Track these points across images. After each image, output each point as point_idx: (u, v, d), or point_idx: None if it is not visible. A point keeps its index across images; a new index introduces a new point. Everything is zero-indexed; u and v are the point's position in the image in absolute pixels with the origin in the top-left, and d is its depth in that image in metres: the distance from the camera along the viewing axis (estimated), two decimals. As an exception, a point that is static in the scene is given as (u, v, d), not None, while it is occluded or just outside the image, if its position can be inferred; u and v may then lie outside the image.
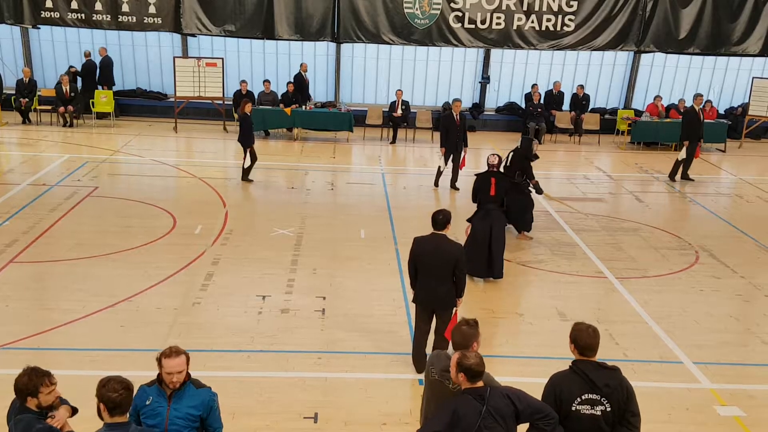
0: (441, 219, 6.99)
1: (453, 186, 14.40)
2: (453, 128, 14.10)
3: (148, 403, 4.55)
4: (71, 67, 19.50)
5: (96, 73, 19.44)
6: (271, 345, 7.75)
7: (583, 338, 4.59)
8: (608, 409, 4.51)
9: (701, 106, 15.83)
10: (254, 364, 7.36)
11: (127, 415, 4.16)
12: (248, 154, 13.85)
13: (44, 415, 4.30)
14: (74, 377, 5.79)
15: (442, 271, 6.90)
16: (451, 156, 14.24)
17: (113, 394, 4.06)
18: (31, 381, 4.25)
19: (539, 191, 11.57)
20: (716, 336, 8.48)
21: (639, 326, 8.60)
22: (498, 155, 10.08)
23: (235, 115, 18.78)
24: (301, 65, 19.60)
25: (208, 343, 7.66)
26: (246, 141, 13.79)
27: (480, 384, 4.37)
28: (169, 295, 8.83)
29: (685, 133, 15.70)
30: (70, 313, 8.19)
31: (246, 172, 14.06)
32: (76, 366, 7.02)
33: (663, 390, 7.20)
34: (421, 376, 6.91)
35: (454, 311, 7.06)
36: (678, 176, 15.69)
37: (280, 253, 10.41)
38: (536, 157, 11.67)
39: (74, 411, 4.51)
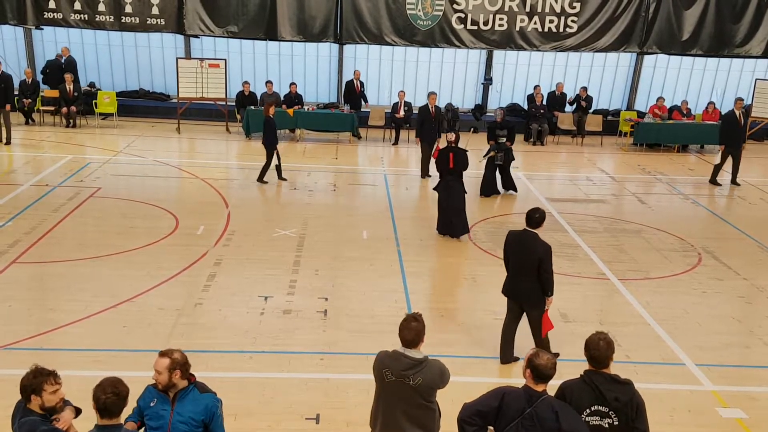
0: (537, 217, 7.16)
1: (427, 173, 15.22)
2: (428, 119, 15.08)
3: (152, 404, 4.54)
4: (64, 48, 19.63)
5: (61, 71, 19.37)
6: (273, 346, 7.76)
7: (591, 349, 4.56)
8: (616, 423, 4.46)
9: (741, 110, 15.61)
10: (256, 364, 7.37)
11: (119, 418, 4.14)
12: (273, 156, 13.98)
13: (49, 418, 4.28)
14: (76, 378, 5.79)
15: (525, 267, 7.14)
16: (428, 146, 15.05)
17: (102, 396, 4.06)
18: (36, 378, 4.24)
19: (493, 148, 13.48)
20: (718, 338, 8.47)
21: (641, 328, 8.59)
22: (455, 132, 11.56)
23: (238, 116, 18.84)
24: (355, 72, 19.55)
25: (210, 344, 7.67)
26: (270, 143, 13.89)
27: (541, 388, 4.42)
28: (172, 296, 8.84)
29: (722, 137, 15.62)
30: (72, 314, 8.21)
31: (279, 171, 14.22)
32: (78, 366, 7.02)
33: (665, 392, 7.19)
34: (503, 367, 7.46)
35: (545, 310, 7.32)
36: (731, 179, 15.70)
37: (282, 253, 10.41)
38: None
39: (78, 411, 4.49)
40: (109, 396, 4.05)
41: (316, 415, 6.54)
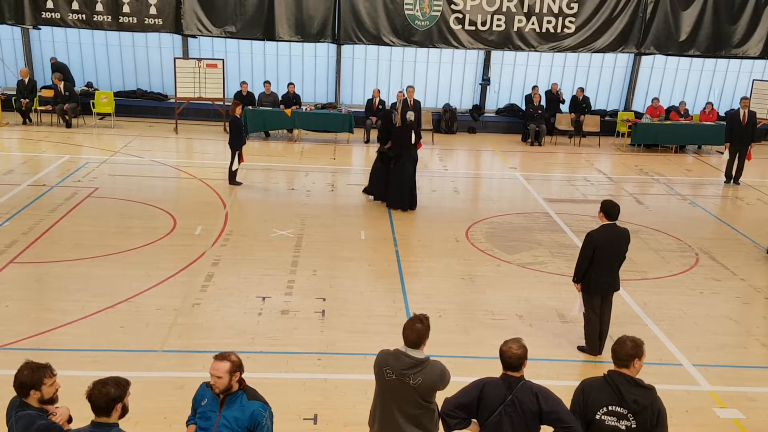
0: (618, 210, 7.67)
1: None
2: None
3: (203, 403, 4.56)
4: (52, 58, 19.64)
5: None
6: (271, 346, 7.75)
7: (616, 345, 4.62)
8: (634, 427, 4.47)
9: (746, 110, 15.69)
10: (254, 365, 7.35)
11: (112, 417, 4.11)
12: (236, 157, 13.72)
13: (45, 412, 4.29)
14: (74, 378, 5.77)
15: (620, 256, 7.73)
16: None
17: (89, 391, 4.07)
18: (35, 374, 4.25)
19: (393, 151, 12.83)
20: (715, 338, 8.48)
21: (638, 328, 8.59)
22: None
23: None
24: (374, 91, 19.16)
25: (208, 344, 7.66)
26: (234, 143, 13.68)
27: (517, 374, 4.55)
28: (169, 296, 8.83)
29: (726, 135, 15.97)
30: (69, 314, 8.20)
31: (233, 175, 13.90)
32: (75, 366, 7.01)
33: (662, 392, 7.10)
34: (593, 358, 7.77)
35: None
36: (733, 178, 15.91)
37: (280, 254, 10.41)
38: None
39: (70, 419, 4.48)
40: (93, 392, 4.05)
41: (313, 415, 6.54)
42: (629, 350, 4.57)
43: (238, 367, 4.50)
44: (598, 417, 4.48)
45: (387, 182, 12.89)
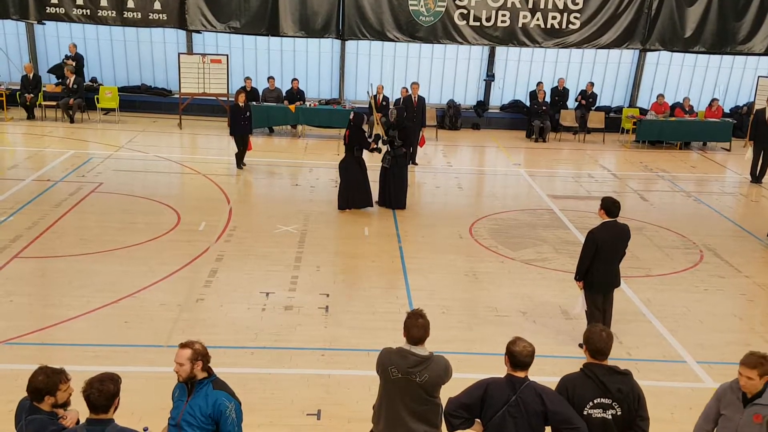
0: (618, 207, 7.67)
1: (413, 162, 15.32)
2: (411, 109, 15.48)
3: (176, 395, 4.62)
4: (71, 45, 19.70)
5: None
6: (275, 342, 7.76)
7: (595, 342, 4.58)
8: (619, 414, 4.49)
9: None
10: (257, 360, 7.37)
11: (108, 414, 4.12)
12: (236, 143, 14.79)
13: (56, 416, 4.28)
14: (77, 373, 5.79)
15: (621, 252, 7.77)
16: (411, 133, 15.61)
17: (86, 390, 4.06)
18: (50, 379, 4.23)
19: (385, 142, 12.83)
20: (720, 335, 8.47)
21: (642, 325, 8.58)
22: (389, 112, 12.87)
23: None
24: (378, 87, 18.98)
25: (212, 340, 7.62)
26: (230, 131, 14.86)
27: (521, 374, 4.51)
28: (173, 292, 8.84)
29: (750, 132, 15.87)
30: (73, 309, 8.22)
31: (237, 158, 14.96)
32: (79, 361, 7.02)
33: (666, 389, 7.19)
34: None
35: None
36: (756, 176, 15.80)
37: (283, 250, 10.41)
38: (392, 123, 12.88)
39: (78, 422, 4.47)
40: (92, 391, 4.04)
41: (317, 410, 6.55)
42: (608, 342, 4.58)
43: (200, 355, 4.48)
44: (585, 413, 4.49)
45: (362, 185, 12.51)
